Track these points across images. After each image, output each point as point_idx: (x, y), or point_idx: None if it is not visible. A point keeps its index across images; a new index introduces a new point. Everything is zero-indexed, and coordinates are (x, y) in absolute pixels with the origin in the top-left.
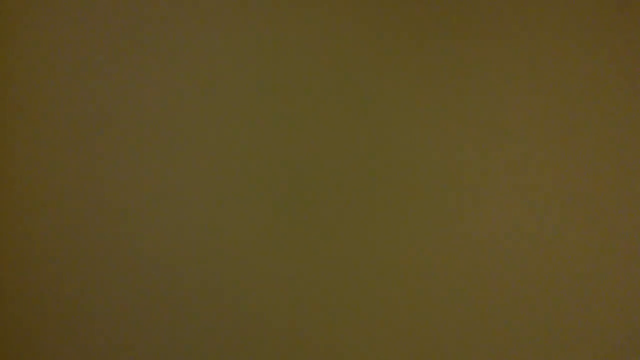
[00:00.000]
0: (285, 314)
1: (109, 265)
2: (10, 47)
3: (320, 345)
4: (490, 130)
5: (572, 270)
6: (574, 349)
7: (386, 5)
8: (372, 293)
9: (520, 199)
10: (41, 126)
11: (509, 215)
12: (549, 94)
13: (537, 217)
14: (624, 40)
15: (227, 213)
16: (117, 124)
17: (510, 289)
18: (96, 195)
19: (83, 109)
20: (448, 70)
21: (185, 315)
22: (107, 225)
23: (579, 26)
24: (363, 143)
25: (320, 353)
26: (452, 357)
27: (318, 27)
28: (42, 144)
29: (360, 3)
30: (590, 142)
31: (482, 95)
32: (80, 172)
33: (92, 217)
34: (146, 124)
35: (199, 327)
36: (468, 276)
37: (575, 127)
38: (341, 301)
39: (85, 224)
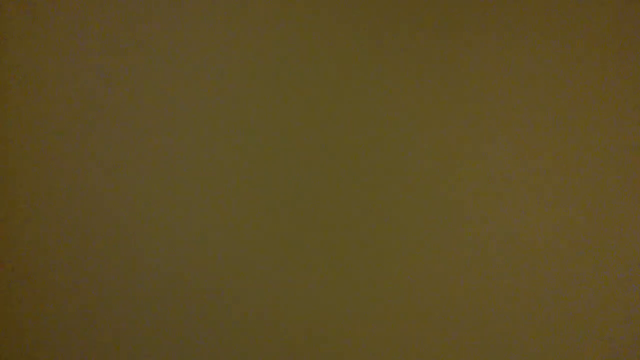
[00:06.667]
0: (283, 315)
1: (108, 266)
2: (8, 46)
3: (320, 347)
4: (489, 128)
5: (570, 270)
6: (573, 351)
7: (383, 3)
8: (372, 294)
9: (520, 198)
10: (40, 126)
11: (508, 213)
12: (549, 92)
13: (537, 215)
14: (624, 39)
15: (226, 213)
16: (115, 124)
17: (510, 288)
18: (94, 197)
19: (82, 110)
20: (447, 68)
21: (183, 317)
22: (105, 226)
23: (578, 22)
24: (362, 143)
25: (320, 354)
26: (451, 358)
27: (316, 26)
28: (41, 144)
29: (357, 2)
30: (590, 140)
31: (480, 93)
32: (79, 173)
33: (91, 218)
34: (144, 124)
35: (197, 328)
36: (466, 275)
37: (576, 125)
38: (341, 302)
39: (84, 224)
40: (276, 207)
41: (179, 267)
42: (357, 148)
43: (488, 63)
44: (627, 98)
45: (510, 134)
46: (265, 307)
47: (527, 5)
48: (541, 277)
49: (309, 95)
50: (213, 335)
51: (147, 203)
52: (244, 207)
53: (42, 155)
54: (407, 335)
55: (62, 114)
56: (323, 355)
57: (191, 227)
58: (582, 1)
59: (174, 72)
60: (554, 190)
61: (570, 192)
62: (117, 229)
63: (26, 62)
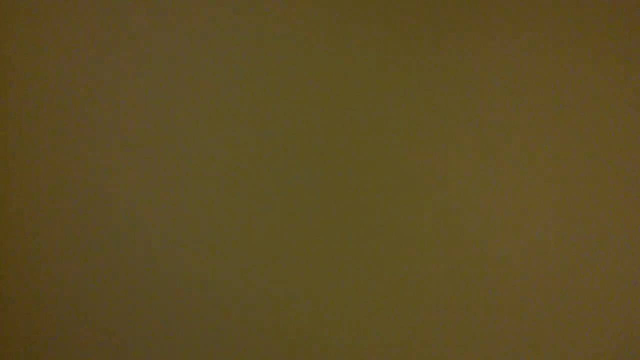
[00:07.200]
0: (282, 316)
1: (108, 267)
2: (8, 47)
3: (317, 346)
4: (487, 130)
5: (566, 272)
6: (567, 352)
7: (381, 5)
8: (369, 293)
9: (516, 200)
10: (38, 127)
11: (505, 216)
12: (548, 95)
13: (532, 218)
14: (624, 42)
15: (226, 214)
16: (114, 124)
17: (504, 289)
18: (95, 197)
19: (80, 109)
20: (444, 71)
21: (183, 316)
22: (105, 227)
23: (579, 28)
24: (362, 145)
25: (317, 353)
26: (447, 357)
27: (315, 27)
28: (41, 144)
29: (354, 3)
30: (588, 144)
31: (478, 96)
32: (80, 173)
33: (91, 218)
34: (145, 123)
35: (195, 328)
36: (467, 276)
37: (573, 129)
38: (338, 302)
39: (84, 224)
40: (277, 208)
41: (179, 268)
42: (358, 150)
43: (491, 65)
44: (629, 103)
45: (512, 135)
46: (265, 308)
47: (530, 8)
48: (542, 277)
49: (311, 98)
50: (212, 334)
51: (148, 203)
52: (245, 208)
53: (43, 155)
54: (409, 336)
55: (63, 114)
56: (322, 355)
57: (191, 227)
58: (584, 3)
59: (175, 72)
60: (555, 191)
61: (572, 193)
62: (117, 229)
63: (26, 62)
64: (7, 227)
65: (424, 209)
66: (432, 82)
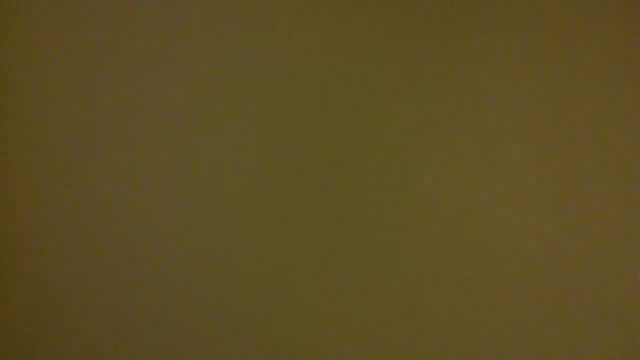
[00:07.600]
0: (280, 314)
1: (108, 268)
2: (6, 48)
3: (319, 346)
4: (492, 129)
5: (567, 271)
6: (572, 350)
7: (384, 3)
8: (371, 293)
9: (518, 200)
10: (38, 127)
11: (507, 215)
12: (551, 93)
13: (533, 218)
14: (627, 40)
15: (224, 214)
16: (113, 124)
17: (510, 290)
18: (95, 197)
19: (80, 110)
20: (446, 71)
21: (182, 317)
22: (105, 228)
23: (581, 25)
24: (361, 144)
25: (318, 353)
26: (452, 357)
27: (317, 26)
28: (40, 145)
29: (354, 3)
30: (592, 142)
31: (479, 96)
32: (80, 173)
33: (90, 218)
34: (142, 123)
35: (197, 329)
36: (468, 276)
37: (574, 129)
38: (339, 302)
39: (83, 225)
40: (277, 209)
41: (180, 269)
42: (359, 150)
43: (491, 65)
44: (631, 101)
45: (515, 136)
46: (266, 308)
47: (530, 8)
48: (544, 276)
49: (311, 98)
50: (213, 334)
51: (148, 205)
52: (245, 209)
53: (42, 155)
54: (411, 336)
55: (63, 115)
56: (322, 355)
57: (192, 228)
58: (585, 3)
59: (175, 74)
60: (556, 191)
61: (573, 192)
62: (117, 229)
63: (26, 63)
64: (7, 227)
65: (426, 208)
66: (433, 82)
